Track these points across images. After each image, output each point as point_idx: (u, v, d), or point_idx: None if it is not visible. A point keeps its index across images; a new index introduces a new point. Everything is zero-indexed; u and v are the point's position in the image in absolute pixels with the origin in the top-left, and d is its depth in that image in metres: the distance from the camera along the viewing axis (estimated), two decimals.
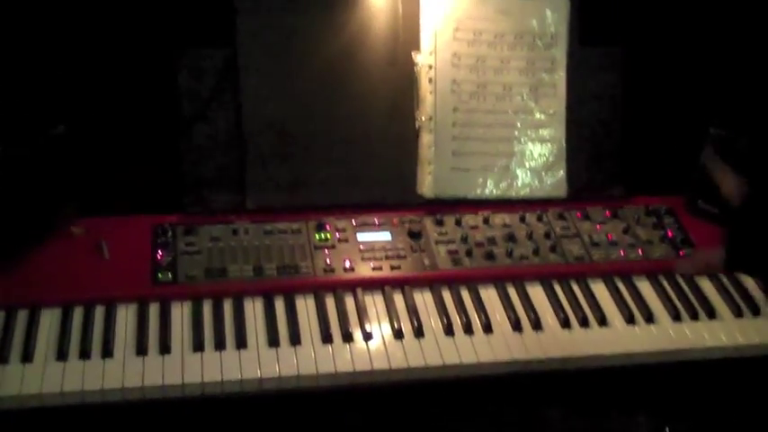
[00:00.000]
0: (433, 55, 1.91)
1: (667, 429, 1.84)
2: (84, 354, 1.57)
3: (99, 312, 1.65)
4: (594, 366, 1.68)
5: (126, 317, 1.65)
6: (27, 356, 1.55)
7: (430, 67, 1.91)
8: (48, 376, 1.53)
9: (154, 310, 1.67)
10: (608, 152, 2.00)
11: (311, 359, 1.60)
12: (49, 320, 1.63)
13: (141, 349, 1.59)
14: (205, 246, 1.77)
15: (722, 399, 1.80)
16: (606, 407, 1.77)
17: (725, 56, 2.05)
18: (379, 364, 1.61)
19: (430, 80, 1.92)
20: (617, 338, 1.70)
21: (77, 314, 1.64)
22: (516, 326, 1.70)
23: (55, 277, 1.68)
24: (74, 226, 1.76)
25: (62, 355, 1.56)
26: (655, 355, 1.70)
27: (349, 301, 1.72)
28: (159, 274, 1.71)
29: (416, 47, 1.92)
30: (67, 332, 1.60)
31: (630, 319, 1.73)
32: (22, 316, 1.63)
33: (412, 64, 1.92)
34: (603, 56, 2.01)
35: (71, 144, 1.75)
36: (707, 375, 1.76)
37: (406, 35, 1.92)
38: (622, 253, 1.86)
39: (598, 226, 1.92)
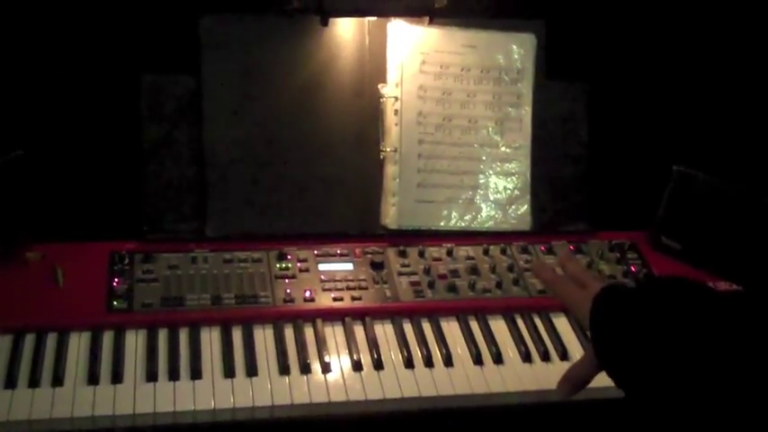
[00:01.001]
0: (399, 87, 1.91)
1: None
2: (34, 382, 1.53)
3: (51, 340, 1.61)
4: (555, 402, 1.65)
5: (78, 345, 1.61)
6: None
7: (396, 98, 1.91)
8: None
9: (108, 338, 1.63)
10: (573, 187, 2.00)
11: (267, 390, 1.57)
12: None
13: (93, 378, 1.55)
14: (162, 273, 1.74)
15: None
16: None
17: (690, 92, 2.06)
18: (337, 396, 1.57)
19: (396, 112, 1.91)
20: None
21: (29, 341, 1.60)
22: (477, 359, 1.68)
23: (7, 303, 1.64)
24: (29, 251, 1.73)
25: (11, 383, 1.52)
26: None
27: (308, 332, 1.69)
28: (114, 302, 1.68)
29: (383, 79, 1.92)
30: (17, 360, 1.56)
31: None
32: None
33: (378, 96, 1.91)
34: (569, 90, 2.02)
35: (28, 168, 1.73)
36: None
37: (373, 67, 1.92)
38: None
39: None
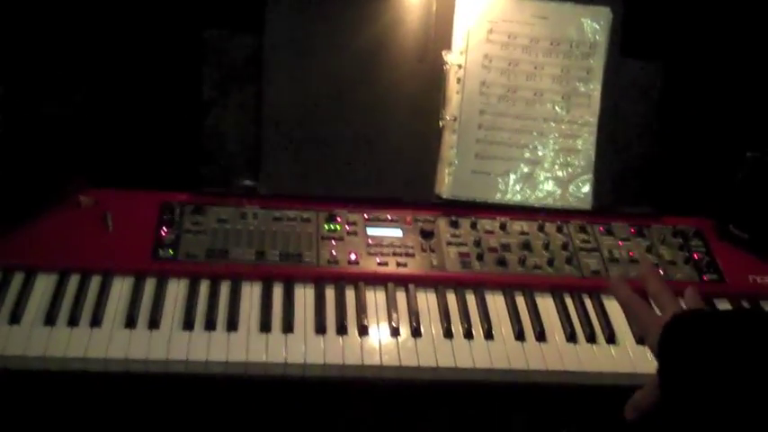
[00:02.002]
0: (463, 55, 1.86)
1: None
2: (73, 321, 1.55)
3: (95, 282, 1.63)
4: (596, 384, 1.59)
5: (121, 289, 1.63)
6: (15, 318, 1.54)
7: (459, 66, 1.86)
8: (33, 339, 1.51)
9: (150, 285, 1.64)
10: (639, 168, 1.92)
11: (301, 348, 1.55)
12: (43, 285, 1.61)
13: (130, 322, 1.56)
14: (210, 226, 1.74)
15: None
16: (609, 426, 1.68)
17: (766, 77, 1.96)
18: (370, 360, 1.55)
19: (458, 80, 1.87)
20: (624, 358, 1.61)
21: (73, 282, 1.63)
22: (519, 335, 1.63)
23: (56, 243, 1.67)
24: (83, 195, 1.75)
25: (50, 320, 1.55)
26: None
27: (349, 295, 1.67)
28: (160, 250, 1.69)
29: (447, 45, 1.87)
30: (60, 298, 1.58)
31: (641, 339, 1.64)
32: (18, 278, 1.62)
33: (441, 62, 1.87)
34: (643, 69, 1.93)
35: (88, 112, 1.75)
36: None
37: (438, 33, 1.87)
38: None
39: (620, 242, 1.84)
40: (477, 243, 1.78)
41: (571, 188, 1.89)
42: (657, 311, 1.25)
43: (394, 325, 1.61)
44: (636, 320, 1.29)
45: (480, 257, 1.76)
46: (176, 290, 1.64)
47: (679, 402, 1.12)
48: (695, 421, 1.09)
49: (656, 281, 1.29)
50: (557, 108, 1.89)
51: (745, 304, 1.75)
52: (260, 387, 1.55)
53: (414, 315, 1.63)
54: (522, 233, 1.83)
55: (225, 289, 1.65)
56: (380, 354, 1.56)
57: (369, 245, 1.75)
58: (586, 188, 1.89)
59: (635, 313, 1.27)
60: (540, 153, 1.88)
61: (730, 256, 1.83)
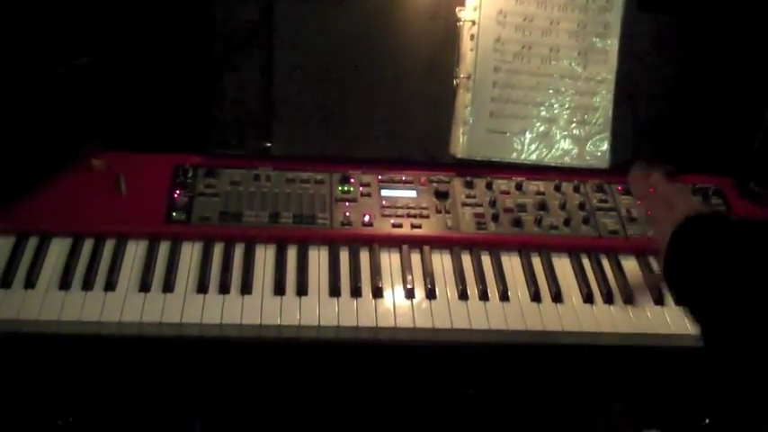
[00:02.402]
0: (477, 11, 1.83)
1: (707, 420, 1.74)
2: (87, 285, 1.55)
3: (109, 246, 1.63)
4: (614, 344, 1.58)
5: (135, 253, 1.63)
6: (30, 283, 1.54)
7: (473, 23, 1.83)
8: (47, 304, 1.52)
9: (164, 248, 1.64)
10: (657, 126, 1.89)
11: (315, 311, 1.55)
12: (58, 249, 1.62)
13: (144, 286, 1.56)
14: (224, 189, 1.73)
15: None
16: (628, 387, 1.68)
17: None
18: (384, 322, 1.54)
19: (472, 37, 1.83)
20: (642, 318, 1.60)
21: (87, 246, 1.63)
22: (535, 296, 1.61)
23: (69, 208, 1.66)
24: (95, 158, 1.74)
25: (65, 284, 1.55)
26: (683, 338, 1.59)
27: (363, 257, 1.66)
28: (173, 213, 1.68)
29: (461, 2, 1.83)
30: (74, 262, 1.59)
31: (659, 300, 1.63)
32: (32, 243, 1.62)
33: (455, 19, 1.84)
34: (661, 24, 1.88)
35: (98, 76, 1.73)
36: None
37: None
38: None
39: (639, 201, 1.81)
40: (493, 203, 1.76)
41: (588, 147, 1.86)
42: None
43: (408, 287, 1.60)
44: (653, 215, 1.30)
45: (496, 218, 1.74)
46: (190, 253, 1.64)
47: (684, 299, 1.16)
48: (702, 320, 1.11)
49: (664, 185, 1.32)
50: (573, 64, 1.86)
51: None
52: (274, 349, 1.55)
53: (428, 277, 1.62)
54: (539, 193, 1.80)
55: (239, 252, 1.64)
56: (395, 316, 1.56)
57: (383, 206, 1.74)
58: (604, 146, 1.86)
59: (653, 208, 1.30)
60: (556, 111, 1.85)
61: (751, 213, 1.80)
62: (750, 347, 1.05)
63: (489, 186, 1.80)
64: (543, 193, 1.80)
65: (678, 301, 1.19)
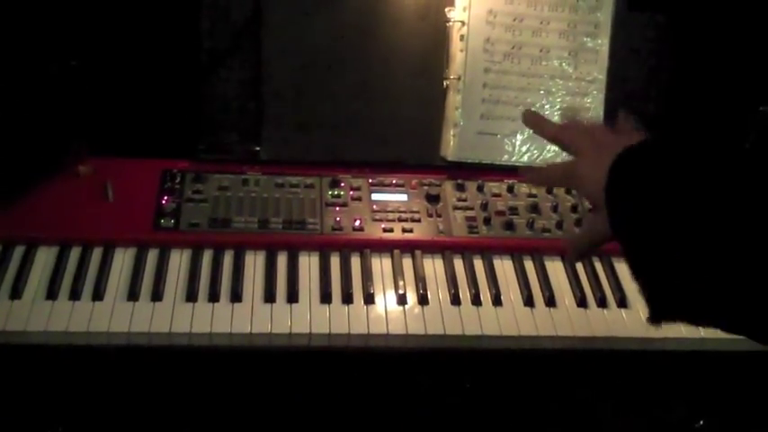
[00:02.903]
0: (466, 11, 1.81)
1: (701, 422, 1.74)
2: (75, 294, 1.53)
3: (96, 254, 1.61)
4: (607, 349, 1.57)
5: (123, 260, 1.60)
6: (16, 293, 1.52)
7: (462, 23, 1.81)
8: (34, 314, 1.49)
9: (152, 255, 1.62)
10: (649, 126, 1.86)
11: (306, 318, 1.53)
12: (44, 258, 1.59)
13: (133, 294, 1.54)
14: (212, 194, 1.71)
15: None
16: (626, 391, 1.67)
17: None
18: (376, 328, 1.53)
19: (462, 38, 1.81)
20: (636, 321, 1.59)
21: (74, 254, 1.60)
22: (528, 301, 1.60)
23: (56, 215, 1.64)
24: (81, 164, 1.72)
25: (52, 293, 1.52)
26: (678, 341, 1.57)
27: (355, 262, 1.64)
28: (161, 220, 1.66)
29: (450, 2, 1.82)
30: (61, 271, 1.56)
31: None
32: (18, 251, 1.59)
33: (444, 20, 1.82)
34: (652, 23, 1.87)
35: (84, 80, 1.71)
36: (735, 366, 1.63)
37: None
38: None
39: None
40: (485, 206, 1.75)
41: None
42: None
43: (400, 292, 1.59)
44: (561, 179, 1.15)
45: (487, 221, 1.72)
46: (179, 260, 1.62)
47: (633, 242, 0.95)
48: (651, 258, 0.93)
49: (569, 130, 1.14)
50: (564, 65, 1.84)
51: None
52: (265, 358, 1.53)
53: (420, 282, 1.61)
54: (530, 195, 1.79)
55: (228, 259, 1.62)
56: (387, 322, 1.54)
57: (374, 210, 1.72)
58: None
59: (555, 174, 1.14)
60: (547, 112, 1.84)
61: None
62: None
63: (480, 189, 1.79)
64: (535, 196, 1.79)
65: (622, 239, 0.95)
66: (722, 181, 0.88)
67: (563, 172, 1.12)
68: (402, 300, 1.58)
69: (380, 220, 1.70)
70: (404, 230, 1.69)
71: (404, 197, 1.76)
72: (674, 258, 0.89)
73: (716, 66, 1.91)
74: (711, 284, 0.87)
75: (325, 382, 1.61)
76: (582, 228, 1.11)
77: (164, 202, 1.69)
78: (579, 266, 1.68)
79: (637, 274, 0.95)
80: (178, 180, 1.73)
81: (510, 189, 1.79)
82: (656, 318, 0.96)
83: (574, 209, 1.77)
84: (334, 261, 1.64)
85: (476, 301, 1.59)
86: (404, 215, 1.72)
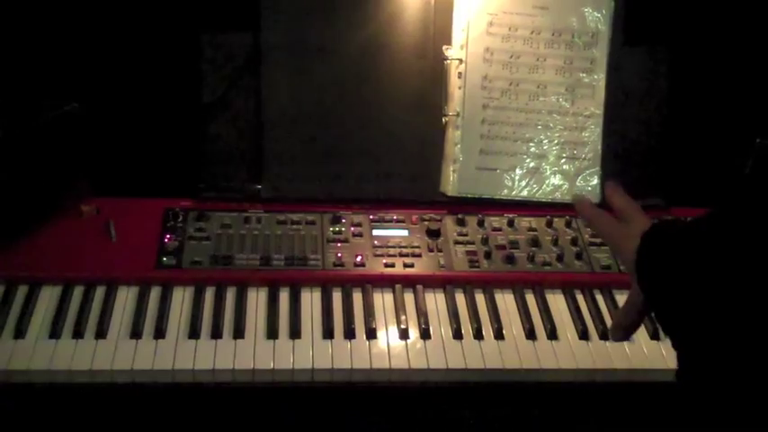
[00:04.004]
0: (464, 49, 1.84)
1: None
2: (78, 333, 1.53)
3: (99, 292, 1.62)
4: (610, 381, 1.56)
5: (126, 299, 1.61)
6: (20, 332, 1.52)
7: (460, 61, 1.83)
8: (37, 353, 1.49)
9: (155, 293, 1.62)
10: (647, 160, 1.89)
11: (308, 354, 1.53)
12: (48, 297, 1.60)
13: (136, 332, 1.54)
14: (214, 232, 1.73)
15: None
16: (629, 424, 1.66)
17: None
18: (379, 364, 1.53)
19: (459, 75, 1.84)
20: (639, 353, 1.59)
21: (77, 293, 1.61)
22: (530, 334, 1.60)
23: (59, 254, 1.65)
24: (84, 204, 1.74)
25: (55, 332, 1.53)
26: None
27: (356, 298, 1.65)
28: (164, 258, 1.67)
29: (447, 40, 1.84)
30: (64, 310, 1.57)
31: (655, 335, 1.62)
32: (21, 291, 1.60)
33: (442, 58, 1.84)
34: (647, 58, 1.90)
35: (85, 122, 1.73)
36: None
37: (438, 28, 1.84)
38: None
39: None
40: (485, 241, 1.76)
41: (579, 182, 1.86)
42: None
43: (402, 327, 1.59)
44: (606, 234, 1.22)
45: (488, 255, 1.73)
46: (181, 298, 1.62)
47: (665, 312, 1.06)
48: (681, 330, 1.03)
49: (620, 196, 1.24)
50: (561, 100, 1.87)
51: None
52: (268, 394, 1.53)
53: (422, 316, 1.61)
54: (531, 229, 1.80)
55: (230, 295, 1.63)
56: (389, 357, 1.54)
57: (375, 246, 1.73)
58: (594, 181, 1.87)
59: (604, 226, 1.21)
60: (545, 147, 1.86)
61: None
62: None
63: (481, 224, 1.80)
64: (535, 230, 1.80)
65: (662, 323, 1.08)
66: (727, 262, 0.98)
67: (612, 227, 1.20)
68: (404, 334, 1.58)
69: (382, 256, 1.71)
70: (405, 265, 1.70)
71: (405, 233, 1.77)
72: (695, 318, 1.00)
73: (712, 98, 1.93)
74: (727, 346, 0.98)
75: (327, 417, 1.60)
76: (622, 307, 1.18)
77: (166, 240, 1.70)
78: (580, 299, 1.69)
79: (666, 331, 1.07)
80: (180, 218, 1.75)
81: (510, 223, 1.80)
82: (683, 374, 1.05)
83: (574, 242, 1.78)
84: (336, 297, 1.65)
85: (478, 335, 1.59)
86: (405, 250, 1.73)
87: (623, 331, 1.19)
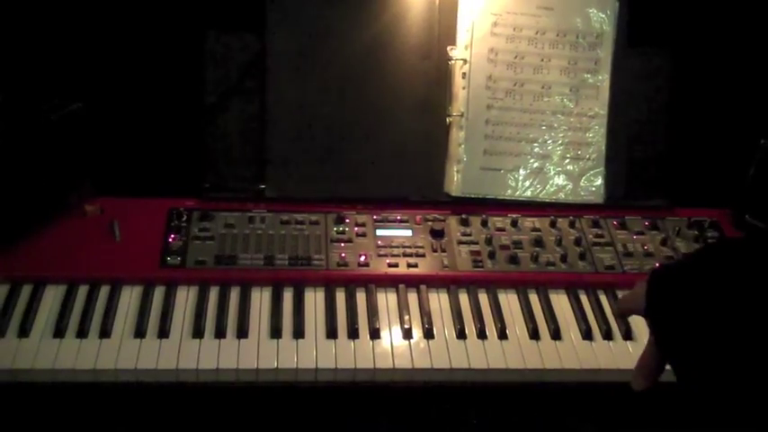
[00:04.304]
0: (468, 49, 1.84)
1: None
2: (82, 332, 1.54)
3: (103, 292, 1.62)
4: (614, 381, 1.56)
5: (129, 298, 1.61)
6: (24, 331, 1.53)
7: (465, 61, 1.84)
8: (42, 352, 1.50)
9: (158, 293, 1.63)
10: (651, 160, 1.89)
11: (312, 353, 1.53)
12: (52, 297, 1.60)
13: (139, 332, 1.54)
14: (218, 232, 1.73)
15: None
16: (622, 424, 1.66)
17: None
18: (383, 363, 1.53)
19: (464, 75, 1.84)
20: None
21: (81, 292, 1.61)
22: (534, 334, 1.60)
23: (63, 254, 1.65)
24: (88, 204, 1.74)
25: (59, 332, 1.53)
26: None
27: (360, 297, 1.65)
28: (168, 258, 1.67)
29: (452, 41, 1.85)
30: (68, 310, 1.57)
31: None
32: (26, 290, 1.60)
33: (446, 58, 1.85)
34: (651, 58, 1.90)
35: (90, 121, 1.73)
36: None
37: (442, 28, 1.85)
38: (657, 265, 1.74)
39: (635, 236, 1.81)
40: (489, 241, 1.76)
41: (582, 182, 1.86)
42: None
43: (406, 327, 1.59)
44: (627, 303, 1.24)
45: (492, 256, 1.73)
46: (185, 298, 1.63)
47: (674, 356, 1.07)
48: (691, 371, 1.05)
49: (619, 305, 1.32)
50: (565, 101, 1.87)
51: None
52: (271, 394, 1.53)
53: (426, 316, 1.61)
54: (534, 229, 1.80)
55: (234, 295, 1.63)
56: (393, 356, 1.54)
57: (378, 246, 1.73)
58: (598, 181, 1.87)
59: (626, 303, 1.25)
60: (549, 147, 1.86)
61: None
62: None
63: (485, 224, 1.80)
64: (539, 230, 1.80)
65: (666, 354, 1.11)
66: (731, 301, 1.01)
67: (626, 294, 1.25)
68: (408, 334, 1.58)
69: (385, 256, 1.71)
70: (409, 265, 1.70)
71: (408, 233, 1.77)
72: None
73: (716, 99, 1.93)
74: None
75: (331, 417, 1.60)
76: (642, 354, 1.19)
77: (170, 240, 1.70)
78: (584, 299, 1.69)
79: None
80: (184, 218, 1.75)
81: (514, 223, 1.80)
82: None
83: (577, 242, 1.78)
84: (340, 296, 1.65)
85: (481, 334, 1.59)
86: (408, 250, 1.73)
87: (645, 379, 1.17)
